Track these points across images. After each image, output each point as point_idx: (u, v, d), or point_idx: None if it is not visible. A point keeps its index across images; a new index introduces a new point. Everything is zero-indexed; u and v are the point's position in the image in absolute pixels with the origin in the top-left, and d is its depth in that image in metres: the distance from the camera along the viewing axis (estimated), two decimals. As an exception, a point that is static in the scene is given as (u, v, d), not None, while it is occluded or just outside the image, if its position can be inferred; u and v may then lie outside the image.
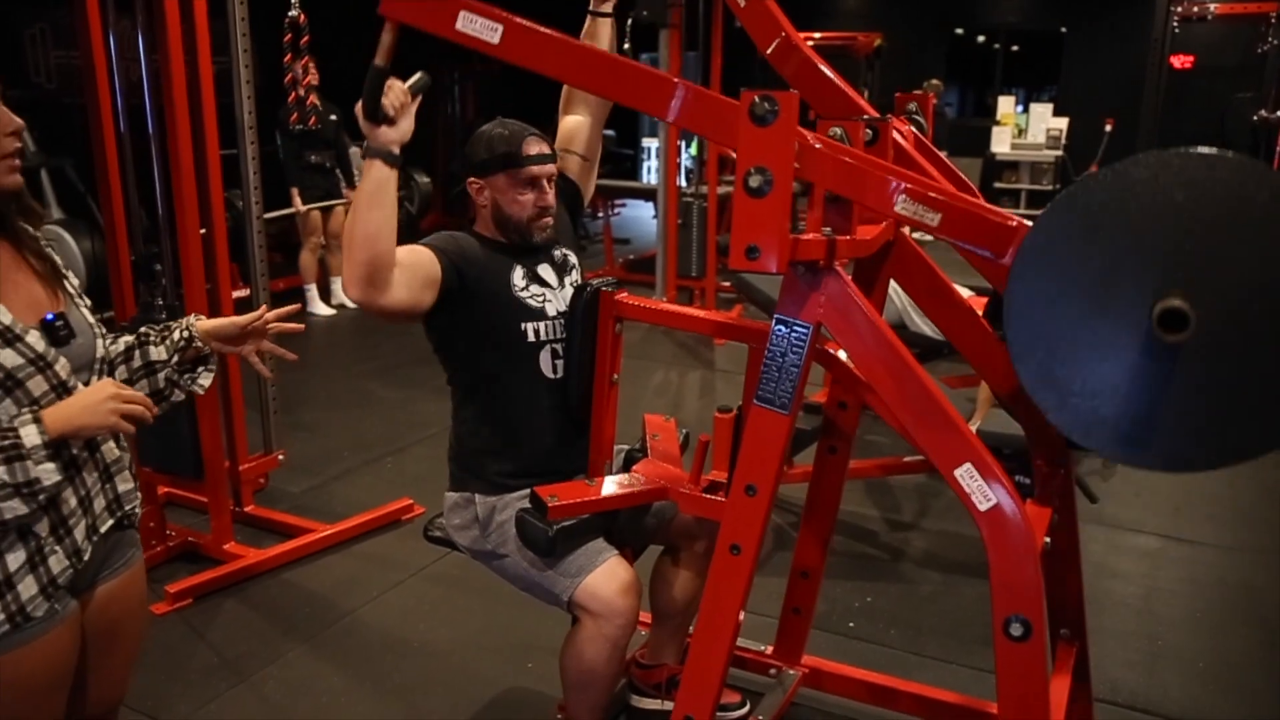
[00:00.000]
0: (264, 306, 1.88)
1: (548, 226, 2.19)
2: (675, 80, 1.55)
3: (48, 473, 1.45)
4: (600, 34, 2.28)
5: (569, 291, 2.22)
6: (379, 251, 1.82)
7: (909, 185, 1.51)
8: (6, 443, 1.42)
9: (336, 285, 7.30)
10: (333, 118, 6.65)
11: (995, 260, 1.53)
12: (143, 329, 1.78)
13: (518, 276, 2.16)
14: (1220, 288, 1.29)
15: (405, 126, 1.79)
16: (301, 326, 1.94)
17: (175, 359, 1.76)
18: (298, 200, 6.82)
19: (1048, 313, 1.38)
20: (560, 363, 2.19)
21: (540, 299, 2.17)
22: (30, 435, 1.43)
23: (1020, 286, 1.39)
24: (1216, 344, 1.30)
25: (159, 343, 1.76)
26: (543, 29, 1.58)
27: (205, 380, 1.83)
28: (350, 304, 7.24)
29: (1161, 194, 1.29)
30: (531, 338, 2.15)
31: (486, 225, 2.20)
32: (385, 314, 1.91)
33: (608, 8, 2.28)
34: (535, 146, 2.13)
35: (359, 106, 1.74)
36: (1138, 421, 1.36)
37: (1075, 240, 1.35)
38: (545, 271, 2.22)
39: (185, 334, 1.78)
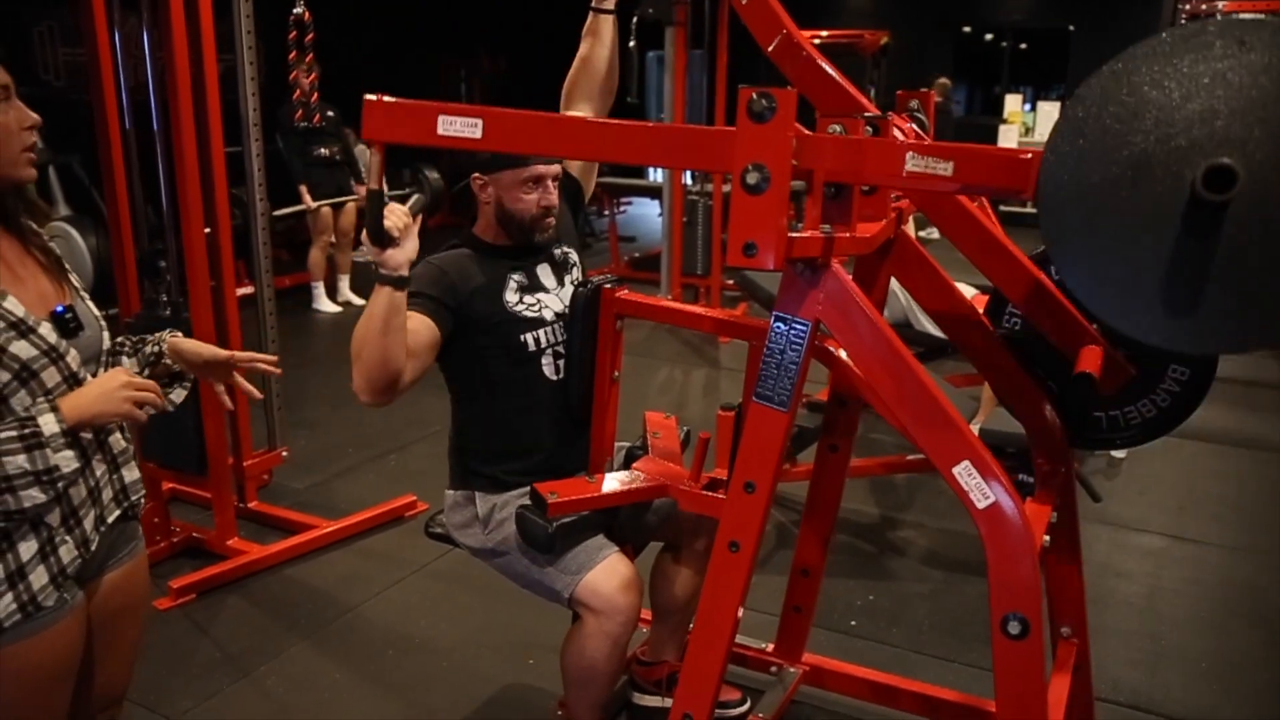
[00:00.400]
0: (233, 352, 1.86)
1: (550, 227, 2.19)
2: (656, 126, 1.57)
3: (67, 460, 1.48)
4: (602, 30, 2.28)
5: (569, 290, 2.22)
6: (393, 369, 1.88)
7: (913, 146, 1.50)
8: (27, 431, 1.44)
9: (343, 283, 7.33)
10: (330, 114, 6.66)
11: (1021, 196, 1.49)
12: (119, 339, 1.79)
13: (510, 291, 2.16)
14: (1261, 155, 1.22)
15: (411, 247, 1.82)
16: (278, 371, 1.93)
17: (145, 372, 1.78)
18: (307, 197, 6.82)
19: (1086, 218, 1.32)
20: (562, 363, 2.20)
21: (536, 307, 2.17)
22: (49, 424, 1.46)
23: (1053, 209, 1.33)
24: (1265, 210, 1.23)
25: (132, 354, 1.78)
26: (520, 112, 1.60)
27: (176, 396, 1.82)
28: (356, 301, 7.30)
29: (1196, 64, 1.24)
30: (533, 347, 2.16)
31: (488, 224, 2.20)
32: (402, 393, 1.97)
33: (610, 4, 2.28)
34: None
35: (364, 234, 1.77)
36: (1193, 307, 1.29)
37: (1100, 142, 1.29)
38: (544, 272, 2.22)
39: (156, 349, 1.79)
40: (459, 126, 1.59)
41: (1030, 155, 1.44)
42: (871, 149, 1.53)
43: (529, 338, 2.15)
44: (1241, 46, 1.22)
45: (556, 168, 2.16)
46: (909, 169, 1.48)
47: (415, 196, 1.84)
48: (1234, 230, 1.25)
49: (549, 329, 2.17)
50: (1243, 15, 1.23)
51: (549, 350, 2.17)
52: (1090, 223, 1.31)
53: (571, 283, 2.24)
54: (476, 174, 2.15)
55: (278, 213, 6.52)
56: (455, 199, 9.75)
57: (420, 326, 2.00)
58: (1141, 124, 1.27)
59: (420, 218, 1.85)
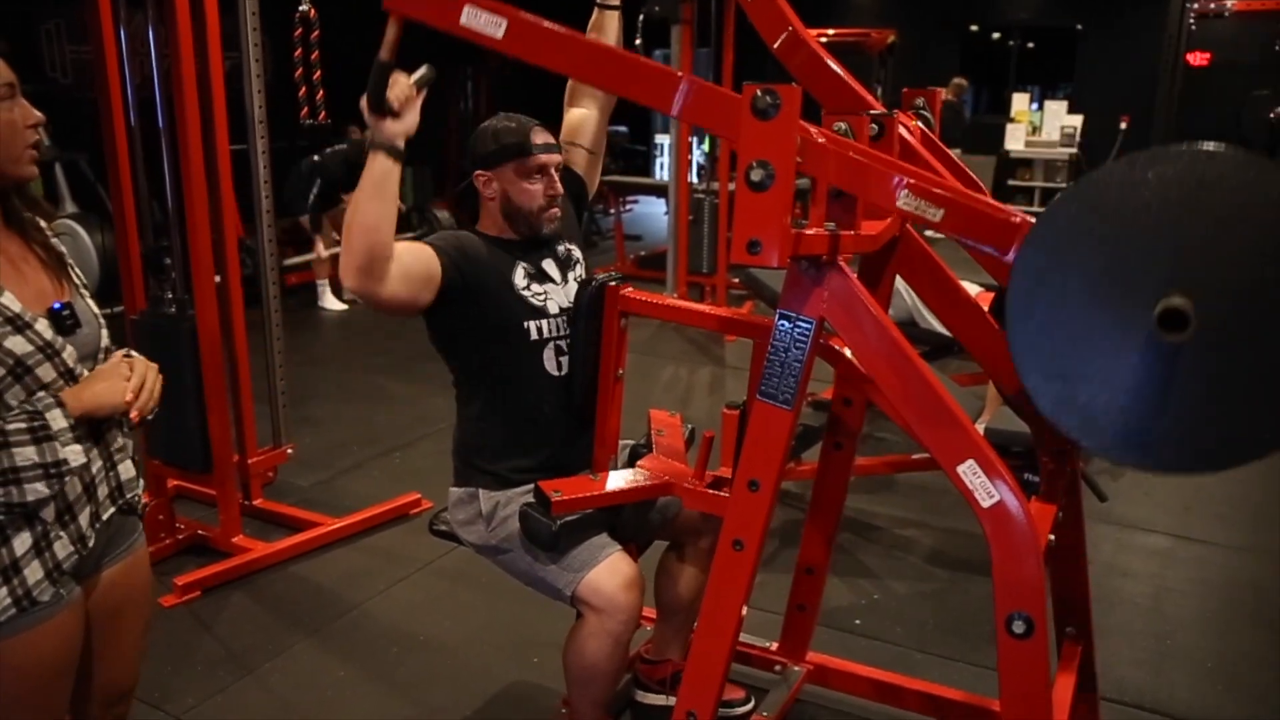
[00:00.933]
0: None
1: (556, 217, 2.19)
2: (678, 74, 1.55)
3: (75, 454, 1.51)
4: (607, 26, 2.28)
5: (573, 287, 2.21)
6: (377, 242, 1.82)
7: (911, 180, 1.50)
8: (36, 424, 1.46)
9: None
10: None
11: (999, 257, 1.51)
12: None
13: (519, 275, 2.15)
14: (1224, 286, 1.27)
15: (410, 120, 1.80)
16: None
17: None
18: (320, 248, 6.86)
19: (1050, 312, 1.36)
20: (565, 359, 2.19)
21: (542, 297, 2.17)
22: (56, 418, 1.48)
23: (1022, 285, 1.37)
24: (1221, 343, 1.28)
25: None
26: (546, 23, 1.58)
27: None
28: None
29: (1165, 191, 1.27)
30: (535, 336, 2.15)
31: (494, 221, 2.20)
32: (382, 306, 1.91)
33: (615, 0, 2.28)
34: (542, 136, 2.15)
35: (364, 99, 1.75)
36: (1141, 423, 1.34)
37: (1078, 238, 1.33)
38: (549, 266, 2.22)
39: None
40: (483, 22, 1.59)
41: (1019, 219, 1.47)
42: (874, 175, 1.53)
43: (531, 325, 2.14)
44: (1201, 183, 1.26)
45: (559, 157, 2.17)
46: (901, 204, 1.50)
47: (423, 69, 1.81)
48: (1191, 360, 1.30)
49: (552, 321, 2.17)
50: (1207, 147, 1.29)
51: (551, 343, 2.17)
52: (1058, 302, 1.35)
53: (575, 279, 2.24)
54: (479, 171, 2.15)
55: (288, 261, 6.56)
56: (458, 200, 9.77)
57: (420, 253, 1.99)
58: (1128, 237, 1.31)
59: (424, 93, 1.82)
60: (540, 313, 2.16)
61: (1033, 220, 1.43)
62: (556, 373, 2.18)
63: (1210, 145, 1.27)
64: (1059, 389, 1.37)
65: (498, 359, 2.15)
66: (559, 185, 2.17)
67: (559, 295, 2.20)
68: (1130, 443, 1.36)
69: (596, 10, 2.29)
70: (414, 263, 1.95)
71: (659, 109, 1.60)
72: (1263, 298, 1.26)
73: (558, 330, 2.17)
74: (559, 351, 2.18)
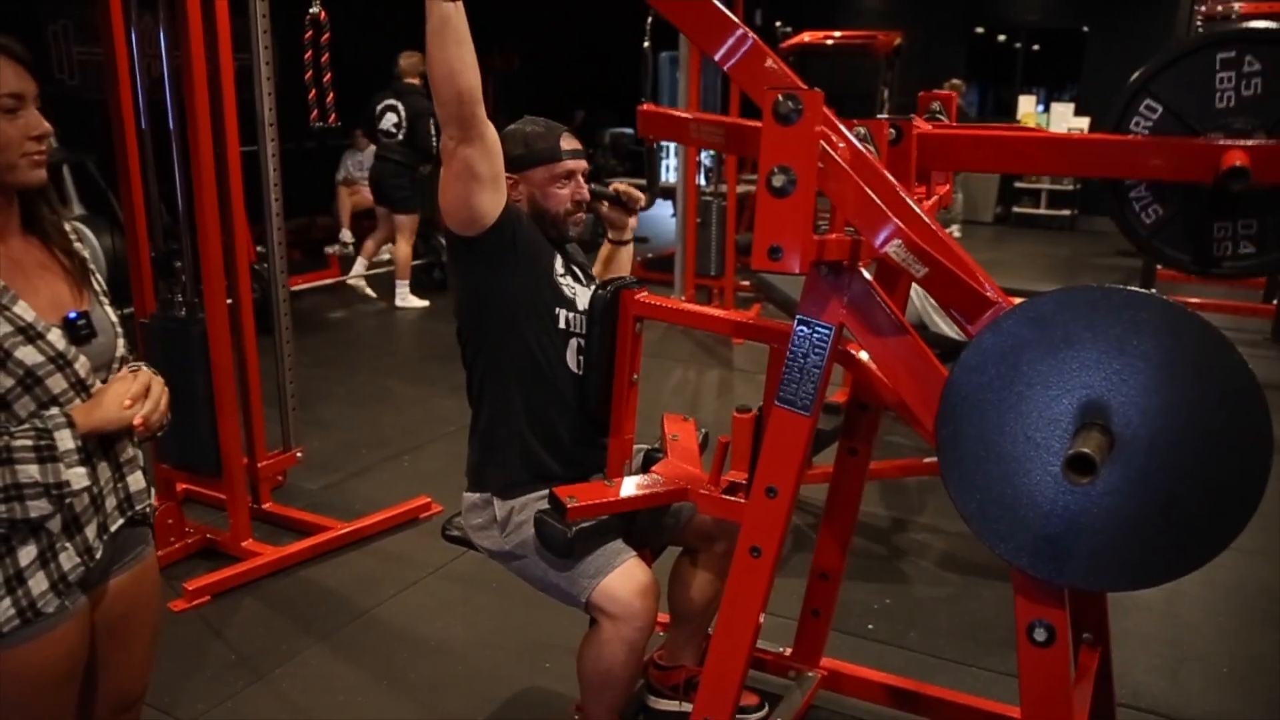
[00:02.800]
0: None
1: (582, 221, 2.22)
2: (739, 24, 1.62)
3: (78, 477, 1.49)
4: (618, 260, 2.42)
5: (590, 290, 2.21)
6: (460, 89, 1.86)
7: (906, 236, 1.50)
8: (43, 444, 1.44)
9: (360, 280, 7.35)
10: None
11: (965, 324, 1.57)
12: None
13: (558, 263, 2.17)
14: (1139, 421, 1.37)
15: None
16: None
17: None
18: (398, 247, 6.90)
19: (979, 424, 1.45)
20: (583, 359, 2.18)
21: (572, 290, 2.18)
22: (64, 439, 1.46)
23: (959, 387, 1.47)
24: (1135, 474, 1.39)
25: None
26: None
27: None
28: (369, 293, 7.31)
29: (1091, 327, 1.36)
30: (562, 324, 2.15)
31: None
32: (473, 163, 1.93)
33: (627, 235, 2.40)
34: (570, 142, 2.17)
35: None
36: (1056, 543, 1.44)
37: (1009, 358, 1.42)
38: (574, 268, 2.23)
39: None
40: None
41: (991, 294, 1.52)
42: (873, 214, 1.53)
43: (561, 314, 2.14)
44: (1135, 325, 1.35)
45: (585, 164, 2.20)
46: (889, 251, 1.51)
47: None
48: (1105, 488, 1.41)
49: (578, 316, 2.16)
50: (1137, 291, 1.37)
51: (574, 338, 2.16)
52: (985, 417, 1.45)
53: (591, 284, 2.24)
54: (507, 173, 2.13)
55: (296, 286, 6.58)
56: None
57: (501, 163, 2.02)
58: (1051, 368, 1.40)
59: None
60: (570, 304, 2.16)
61: (1004, 303, 1.50)
62: (576, 370, 2.17)
63: (1135, 290, 1.36)
64: (980, 499, 1.47)
65: (526, 341, 2.12)
66: (585, 191, 2.19)
67: (583, 295, 2.19)
68: (1051, 561, 1.46)
69: (607, 244, 2.41)
70: (498, 153, 1.99)
71: (704, 48, 1.65)
72: (1174, 435, 1.38)
73: (580, 326, 2.17)
74: (579, 349, 2.17)
